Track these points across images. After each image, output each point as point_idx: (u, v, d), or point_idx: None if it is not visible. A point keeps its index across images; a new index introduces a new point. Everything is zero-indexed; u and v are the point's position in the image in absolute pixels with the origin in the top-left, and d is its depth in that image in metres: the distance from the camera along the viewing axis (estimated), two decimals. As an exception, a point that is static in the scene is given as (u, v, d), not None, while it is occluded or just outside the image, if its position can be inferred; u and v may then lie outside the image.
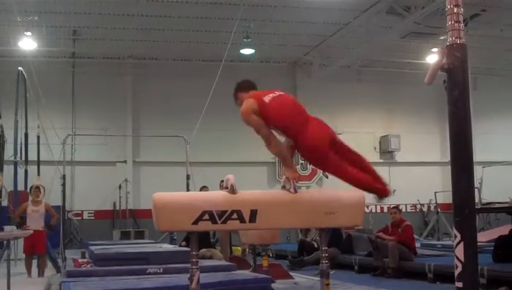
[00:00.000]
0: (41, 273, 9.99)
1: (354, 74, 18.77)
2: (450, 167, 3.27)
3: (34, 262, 10.16)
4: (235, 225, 3.82)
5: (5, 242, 7.73)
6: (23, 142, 12.93)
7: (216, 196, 3.85)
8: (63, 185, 12.56)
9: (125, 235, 15.31)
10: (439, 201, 17.12)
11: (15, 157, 12.66)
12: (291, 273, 8.98)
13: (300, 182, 3.96)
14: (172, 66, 17.49)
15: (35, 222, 9.78)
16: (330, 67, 17.15)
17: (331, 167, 4.39)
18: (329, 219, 3.92)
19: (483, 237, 11.11)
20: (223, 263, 8.55)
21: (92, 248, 8.74)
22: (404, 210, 18.25)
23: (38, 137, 12.71)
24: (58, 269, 10.31)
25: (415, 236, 13.46)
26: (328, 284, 4.02)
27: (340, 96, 18.48)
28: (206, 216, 3.67)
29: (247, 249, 11.91)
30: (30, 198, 10.12)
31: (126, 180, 16.63)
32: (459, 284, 3.10)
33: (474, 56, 14.74)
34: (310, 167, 18.25)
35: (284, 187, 4.09)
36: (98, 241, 11.67)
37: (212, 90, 12.43)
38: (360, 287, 7.74)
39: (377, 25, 14.27)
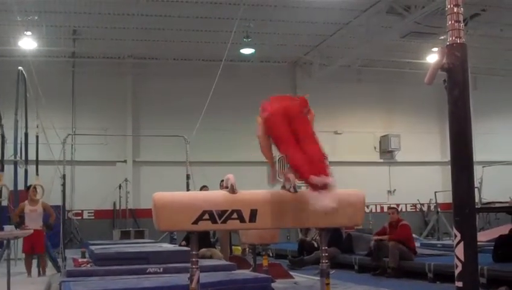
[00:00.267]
0: (42, 272, 9.99)
1: (354, 74, 18.77)
2: (450, 166, 3.27)
3: (34, 262, 10.16)
4: (235, 225, 3.83)
5: (5, 242, 7.73)
6: (23, 141, 12.93)
7: (216, 196, 3.85)
8: (63, 184, 12.57)
9: (125, 235, 15.31)
10: (439, 201, 17.13)
11: (15, 157, 12.66)
12: (291, 273, 8.98)
13: (300, 182, 3.92)
14: (173, 65, 17.49)
15: (34, 221, 9.79)
16: (330, 67, 17.15)
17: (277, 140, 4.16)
18: (329, 219, 3.92)
19: (483, 237, 11.11)
20: (223, 262, 8.55)
21: (92, 247, 8.74)
22: (404, 210, 18.30)
23: (37, 137, 12.70)
24: (58, 269, 10.31)
25: (415, 236, 13.48)
26: (328, 284, 4.02)
27: (340, 96, 18.48)
28: (206, 216, 3.67)
29: (247, 249, 11.90)
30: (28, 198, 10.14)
31: (126, 180, 16.63)
32: (459, 284, 3.10)
33: (474, 56, 14.74)
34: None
35: (284, 187, 4.09)
36: (98, 241, 11.67)
37: (212, 90, 12.43)
38: (360, 287, 7.74)
39: (377, 24, 14.27)
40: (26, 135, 12.89)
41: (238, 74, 17.73)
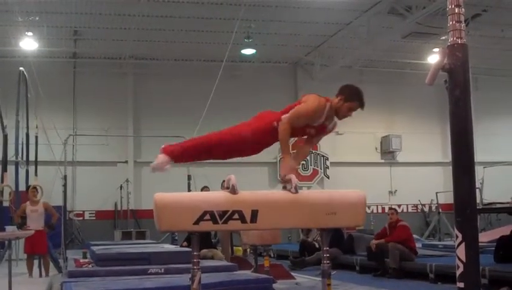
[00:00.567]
0: (45, 273, 9.99)
1: (355, 74, 18.74)
2: (451, 167, 3.27)
3: (35, 262, 10.16)
4: (236, 225, 3.81)
5: (6, 242, 7.74)
6: (24, 142, 12.94)
7: (217, 196, 3.84)
8: (64, 185, 12.56)
9: (126, 236, 15.31)
10: (441, 201, 17.13)
11: (16, 158, 12.68)
12: (292, 274, 8.97)
13: (301, 182, 3.93)
14: (174, 66, 17.50)
15: (35, 221, 9.80)
16: (331, 67, 17.15)
17: None
18: (331, 219, 3.91)
19: (485, 238, 11.11)
20: (225, 263, 8.54)
21: (94, 248, 8.75)
22: (405, 210, 18.30)
23: (36, 137, 12.72)
24: (59, 269, 10.31)
25: (416, 236, 13.48)
26: (329, 285, 4.01)
27: (341, 96, 18.45)
28: (207, 216, 3.66)
29: (248, 250, 11.90)
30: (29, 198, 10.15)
31: (127, 181, 16.63)
32: (461, 285, 3.10)
33: (475, 56, 14.70)
34: (310, 167, 18.28)
35: (285, 187, 4.09)
36: (99, 241, 11.68)
37: (213, 91, 12.43)
38: (362, 288, 7.72)
39: (378, 25, 14.27)
40: (27, 135, 12.91)
41: (239, 74, 17.74)
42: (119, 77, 17.49)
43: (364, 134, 18.71)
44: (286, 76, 18.48)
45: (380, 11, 13.84)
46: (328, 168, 18.38)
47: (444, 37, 13.84)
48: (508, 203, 10.55)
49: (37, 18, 13.57)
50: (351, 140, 18.48)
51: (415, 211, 18.78)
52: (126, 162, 17.14)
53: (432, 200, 18.20)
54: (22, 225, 9.69)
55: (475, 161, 3.24)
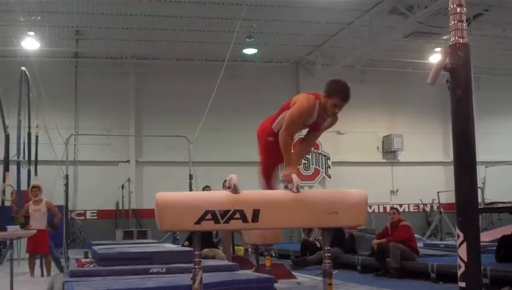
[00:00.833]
0: (47, 273, 10.00)
1: (356, 74, 18.75)
2: (453, 166, 3.27)
3: (37, 262, 10.17)
4: (237, 225, 3.82)
5: (8, 242, 7.75)
6: (26, 142, 12.95)
7: (219, 196, 3.84)
8: (66, 184, 12.59)
9: (128, 235, 15.32)
10: (442, 201, 17.12)
11: (18, 157, 12.69)
12: (294, 273, 8.96)
13: (303, 181, 3.97)
14: (175, 65, 17.50)
15: (38, 221, 9.80)
16: (333, 67, 17.13)
17: None
18: (332, 219, 3.91)
19: (486, 237, 11.09)
20: (226, 262, 8.55)
21: (95, 247, 8.75)
22: (406, 210, 18.29)
23: (36, 137, 12.73)
24: (61, 269, 10.32)
25: (418, 236, 13.47)
26: (330, 284, 4.01)
27: (343, 96, 18.45)
28: (209, 216, 3.66)
29: (249, 249, 11.90)
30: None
31: (129, 180, 16.64)
32: (462, 284, 3.09)
33: (477, 56, 14.63)
34: (312, 167, 18.28)
35: (286, 187, 4.09)
36: (101, 241, 11.68)
37: (215, 90, 12.44)
38: (363, 287, 7.72)
39: (379, 24, 14.26)
40: (29, 135, 12.92)
41: (241, 74, 17.74)
42: (121, 77, 17.49)
43: (366, 133, 18.71)
44: (288, 76, 18.48)
45: (381, 11, 13.83)
46: (329, 167, 18.37)
47: (445, 37, 13.83)
48: (509, 202, 10.53)
49: (38, 18, 13.58)
50: (352, 139, 18.47)
51: (417, 210, 18.77)
52: (128, 161, 17.15)
53: (433, 199, 18.19)
54: (25, 224, 9.70)
55: (477, 160, 3.23)
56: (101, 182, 16.62)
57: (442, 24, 12.98)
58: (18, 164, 12.67)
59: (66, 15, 13.81)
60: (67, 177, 12.65)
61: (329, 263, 4.04)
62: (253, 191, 3.92)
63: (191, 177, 13.59)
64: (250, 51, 16.32)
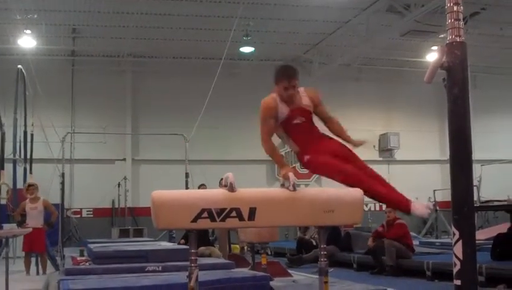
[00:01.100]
0: (42, 271, 9.99)
1: (353, 72, 18.78)
2: (449, 165, 3.27)
3: (33, 260, 10.16)
4: (233, 223, 3.81)
5: (3, 240, 7.74)
6: (22, 140, 12.93)
7: (215, 194, 3.84)
8: (62, 183, 12.57)
9: (124, 233, 15.29)
10: (438, 199, 17.12)
11: (14, 156, 12.67)
12: (289, 271, 8.96)
13: (299, 180, 3.97)
14: (172, 64, 17.48)
15: (34, 219, 9.79)
16: (330, 65, 17.15)
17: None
18: (328, 217, 3.91)
19: (482, 235, 11.11)
20: (222, 261, 8.54)
21: (91, 245, 8.72)
22: (403, 208, 18.26)
23: (31, 135, 12.71)
24: (56, 267, 10.32)
25: (414, 234, 13.48)
26: (326, 282, 4.01)
27: (340, 94, 18.43)
28: (205, 214, 3.66)
29: (245, 247, 11.91)
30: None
31: (125, 178, 16.62)
32: (458, 282, 3.10)
33: (473, 54, 14.72)
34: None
35: (283, 185, 4.09)
36: (97, 239, 11.65)
37: (211, 88, 12.43)
38: (359, 285, 7.71)
39: (376, 23, 14.27)
40: (25, 133, 12.92)
41: (238, 72, 17.73)
42: (118, 75, 17.47)
43: (362, 131, 18.58)
44: (285, 74, 18.45)
45: (378, 9, 13.83)
46: (326, 166, 18.34)
47: (442, 35, 13.84)
48: (505, 201, 10.60)
49: (35, 16, 13.55)
50: (349, 138, 18.45)
51: (413, 209, 18.77)
52: (124, 159, 17.13)
53: (429, 197, 18.16)
54: (21, 222, 9.69)
55: (473, 158, 3.24)
56: (97, 180, 16.60)
57: (439, 22, 12.98)
58: (14, 162, 12.64)
59: (63, 13, 13.79)
60: (63, 175, 12.63)
61: (325, 261, 4.04)
62: (249, 190, 3.91)
63: (187, 175, 13.58)
64: (247, 49, 16.30)
